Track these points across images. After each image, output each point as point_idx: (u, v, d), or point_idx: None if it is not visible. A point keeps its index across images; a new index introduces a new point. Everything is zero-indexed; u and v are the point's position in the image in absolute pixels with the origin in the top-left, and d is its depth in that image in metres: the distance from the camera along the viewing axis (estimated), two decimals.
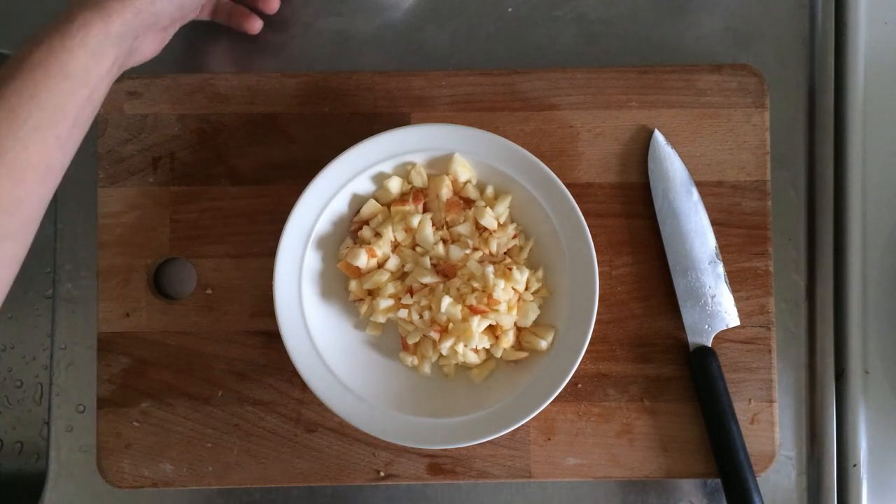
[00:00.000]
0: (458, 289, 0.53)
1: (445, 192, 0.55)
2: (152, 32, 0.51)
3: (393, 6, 0.61)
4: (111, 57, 0.46)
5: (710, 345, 0.56)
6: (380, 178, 0.55)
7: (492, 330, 0.54)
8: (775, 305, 0.58)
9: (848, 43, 0.60)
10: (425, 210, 0.56)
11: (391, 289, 0.54)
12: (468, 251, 0.54)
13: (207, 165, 0.58)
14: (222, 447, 0.57)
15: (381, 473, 0.57)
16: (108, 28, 0.45)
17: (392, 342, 0.57)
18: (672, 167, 0.57)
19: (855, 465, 0.58)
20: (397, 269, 0.55)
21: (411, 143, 0.53)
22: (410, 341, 0.55)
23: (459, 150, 0.54)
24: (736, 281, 0.57)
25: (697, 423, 0.57)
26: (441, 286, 0.54)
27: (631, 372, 0.57)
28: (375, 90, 0.58)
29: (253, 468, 0.57)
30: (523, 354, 0.54)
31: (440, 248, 0.54)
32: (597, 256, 0.53)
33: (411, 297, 0.54)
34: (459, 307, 0.53)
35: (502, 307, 0.53)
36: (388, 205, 0.55)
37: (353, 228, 0.56)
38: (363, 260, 0.53)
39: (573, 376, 0.52)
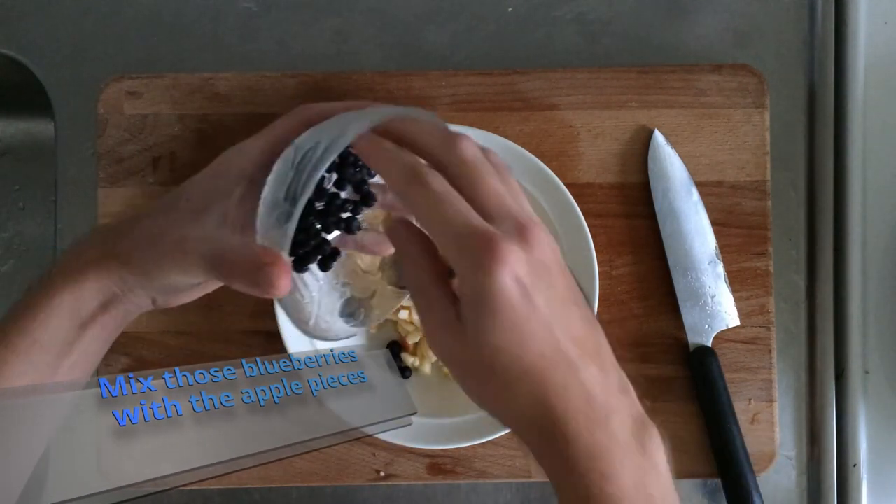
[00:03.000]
0: None
1: None
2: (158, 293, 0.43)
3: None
4: (99, 319, 0.42)
5: (710, 345, 0.56)
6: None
7: None
8: (775, 305, 0.58)
9: (848, 43, 0.60)
10: None
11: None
12: None
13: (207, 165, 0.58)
14: None
15: (381, 473, 0.57)
16: (80, 290, 0.41)
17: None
18: (672, 167, 0.57)
19: (855, 465, 0.58)
20: None
21: None
22: (410, 341, 0.55)
23: None
24: (736, 281, 0.57)
25: (697, 423, 0.57)
26: None
27: (631, 372, 0.56)
28: (375, 90, 0.58)
29: (253, 468, 0.57)
30: None
31: None
32: (597, 256, 0.53)
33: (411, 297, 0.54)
34: None
35: None
36: None
37: None
38: (364, 260, 0.53)
39: None
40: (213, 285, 0.46)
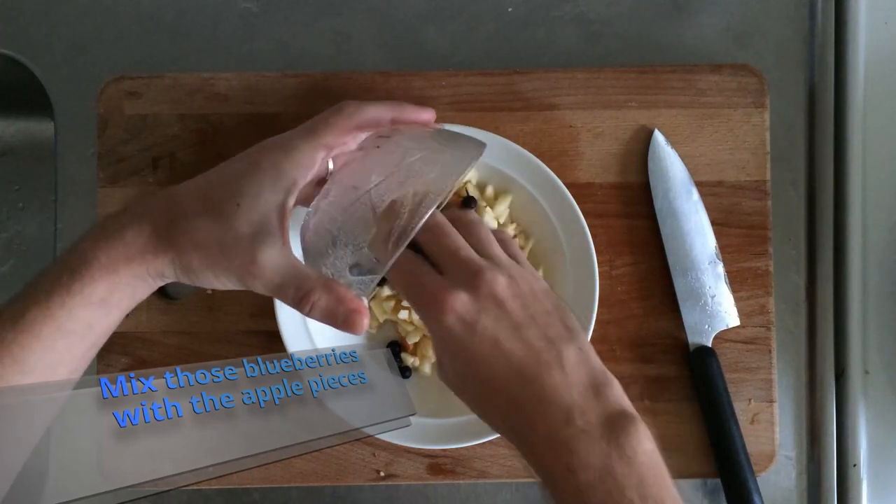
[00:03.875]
0: None
1: None
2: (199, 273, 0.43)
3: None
4: (125, 302, 0.42)
5: (710, 345, 0.56)
6: None
7: None
8: (775, 305, 0.58)
9: (848, 43, 0.60)
10: None
11: (391, 289, 0.54)
12: None
13: (207, 165, 0.57)
14: None
15: (381, 473, 0.57)
16: (116, 281, 0.41)
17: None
18: (672, 167, 0.57)
19: (855, 465, 0.58)
20: None
21: None
22: (410, 341, 0.55)
23: None
24: (736, 281, 0.57)
25: (697, 423, 0.57)
26: None
27: (631, 372, 0.57)
28: (375, 90, 0.58)
29: (253, 468, 0.57)
30: None
31: None
32: (597, 256, 0.53)
33: None
34: None
35: None
36: None
37: None
38: None
39: None
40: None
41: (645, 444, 0.36)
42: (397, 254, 0.40)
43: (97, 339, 0.42)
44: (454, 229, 0.43)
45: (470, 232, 0.43)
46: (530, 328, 0.39)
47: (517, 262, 0.43)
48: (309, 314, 0.41)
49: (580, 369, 0.39)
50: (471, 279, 0.40)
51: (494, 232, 0.45)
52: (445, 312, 0.39)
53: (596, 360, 0.40)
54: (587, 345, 0.41)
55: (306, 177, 0.43)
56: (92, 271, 0.40)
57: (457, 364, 0.40)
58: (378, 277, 0.41)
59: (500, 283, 0.40)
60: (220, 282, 0.42)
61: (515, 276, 0.41)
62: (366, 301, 0.41)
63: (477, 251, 0.42)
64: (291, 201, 0.43)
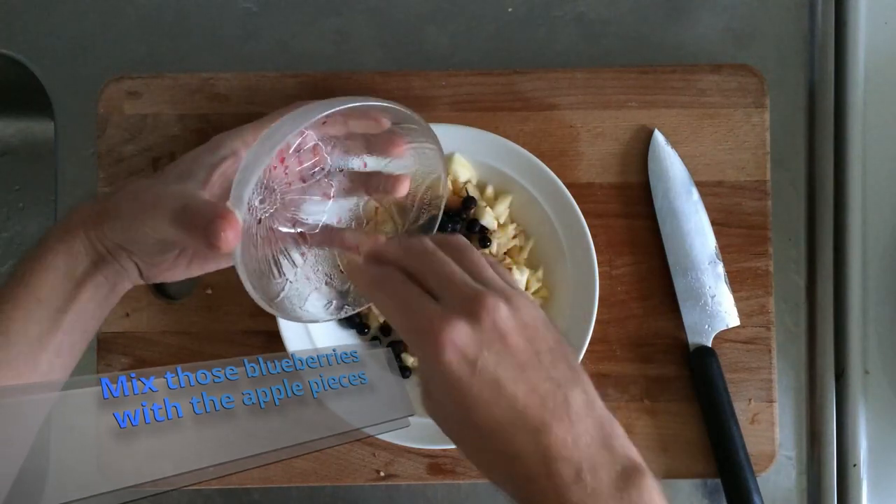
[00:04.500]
0: None
1: None
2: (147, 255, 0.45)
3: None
4: (95, 278, 0.44)
5: (710, 345, 0.56)
6: None
7: None
8: (775, 305, 0.58)
9: (848, 43, 0.60)
10: None
11: None
12: None
13: None
14: None
15: (381, 473, 0.57)
16: (71, 249, 0.43)
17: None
18: (672, 167, 0.57)
19: (855, 465, 0.58)
20: None
21: None
22: None
23: (459, 150, 0.54)
24: (736, 281, 0.57)
25: (697, 423, 0.57)
26: None
27: (631, 372, 0.57)
28: (375, 90, 0.58)
29: (253, 468, 0.57)
30: None
31: None
32: (597, 256, 0.53)
33: None
34: None
35: None
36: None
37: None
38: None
39: None
40: (198, 267, 0.47)
41: (656, 499, 0.34)
42: (260, 161, 0.38)
43: (78, 317, 0.44)
44: (444, 254, 0.39)
45: (462, 256, 0.40)
46: (535, 369, 0.36)
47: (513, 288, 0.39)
48: (189, 230, 0.39)
49: (587, 417, 0.35)
50: (470, 306, 0.36)
51: (484, 257, 0.41)
52: (444, 346, 0.35)
53: (600, 403, 0.37)
54: (590, 386, 0.37)
55: (245, 146, 0.46)
56: (49, 240, 0.44)
57: (449, 406, 0.36)
58: (246, 185, 0.38)
59: (503, 312, 0.36)
60: (139, 224, 0.42)
61: (516, 304, 0.37)
62: (239, 215, 0.38)
63: (471, 276, 0.38)
64: (224, 164, 0.44)
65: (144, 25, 0.60)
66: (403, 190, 0.48)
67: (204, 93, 0.58)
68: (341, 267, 0.49)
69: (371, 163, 0.49)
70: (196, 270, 0.47)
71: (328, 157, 0.47)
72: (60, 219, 0.45)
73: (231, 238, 0.38)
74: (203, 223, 0.38)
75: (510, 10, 0.61)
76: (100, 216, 0.44)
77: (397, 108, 0.42)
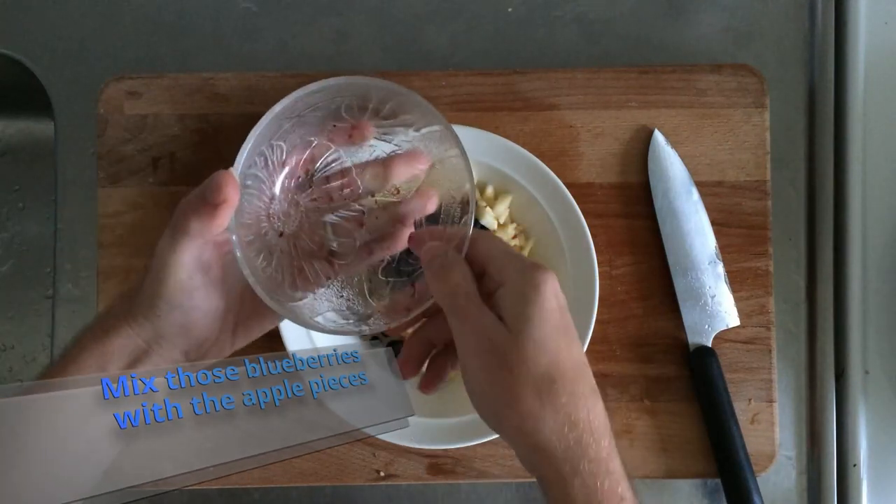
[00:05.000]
0: None
1: None
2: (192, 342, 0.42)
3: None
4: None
5: (710, 345, 0.56)
6: None
7: None
8: (775, 305, 0.58)
9: (848, 43, 0.60)
10: None
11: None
12: None
13: (207, 165, 0.58)
14: None
15: (381, 473, 0.57)
16: (105, 349, 0.40)
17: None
18: (672, 167, 0.57)
19: (855, 465, 0.58)
20: None
21: None
22: None
23: None
24: (736, 281, 0.57)
25: (697, 423, 0.57)
26: None
27: (631, 372, 0.57)
28: None
29: (253, 468, 0.57)
30: None
31: None
32: (597, 256, 0.53)
33: None
34: None
35: None
36: None
37: None
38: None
39: None
40: (243, 334, 0.44)
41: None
42: (252, 136, 0.38)
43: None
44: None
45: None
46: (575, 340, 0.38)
47: None
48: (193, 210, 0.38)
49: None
50: (539, 269, 0.37)
51: None
52: (547, 282, 0.36)
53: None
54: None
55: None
56: (82, 341, 0.40)
57: (542, 331, 0.35)
58: (241, 156, 0.38)
59: (558, 284, 0.37)
60: (172, 262, 0.39)
61: None
62: (236, 175, 0.38)
63: None
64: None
65: (144, 25, 0.60)
66: (432, 207, 0.46)
67: (204, 93, 0.58)
68: (366, 293, 0.47)
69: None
70: (241, 339, 0.44)
71: (358, 181, 0.45)
72: (99, 313, 0.42)
73: (230, 193, 0.37)
74: (201, 190, 0.38)
75: (510, 10, 0.61)
76: (137, 313, 0.40)
77: (414, 96, 0.41)
